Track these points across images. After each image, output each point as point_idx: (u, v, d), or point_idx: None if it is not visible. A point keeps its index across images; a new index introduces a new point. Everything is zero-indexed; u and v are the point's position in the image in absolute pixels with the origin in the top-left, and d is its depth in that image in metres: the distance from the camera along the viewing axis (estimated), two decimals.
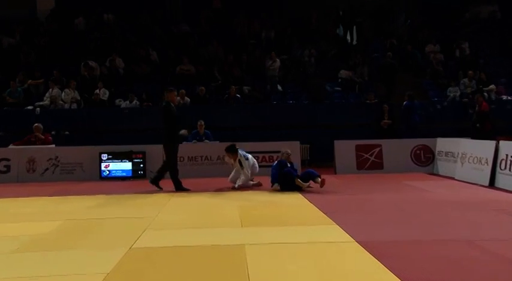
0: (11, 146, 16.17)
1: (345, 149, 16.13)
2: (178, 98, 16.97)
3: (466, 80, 20.18)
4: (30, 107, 19.21)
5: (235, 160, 13.07)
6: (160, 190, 12.60)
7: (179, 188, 12.59)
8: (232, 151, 13.12)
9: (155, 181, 12.77)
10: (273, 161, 15.80)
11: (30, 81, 20.57)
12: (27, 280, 5.60)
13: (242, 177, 12.95)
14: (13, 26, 24.27)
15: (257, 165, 13.62)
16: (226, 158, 13.45)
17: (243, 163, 12.99)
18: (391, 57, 21.45)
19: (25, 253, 6.78)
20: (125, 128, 18.03)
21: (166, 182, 12.79)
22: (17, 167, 15.75)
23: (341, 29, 25.25)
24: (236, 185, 12.89)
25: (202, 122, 16.37)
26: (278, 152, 15.90)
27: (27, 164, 15.72)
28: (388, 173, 15.31)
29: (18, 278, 5.66)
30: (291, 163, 12.82)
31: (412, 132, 17.31)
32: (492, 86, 20.09)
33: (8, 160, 15.78)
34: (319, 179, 12.07)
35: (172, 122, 12.48)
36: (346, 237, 7.14)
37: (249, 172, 13.07)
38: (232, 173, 13.28)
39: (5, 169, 15.71)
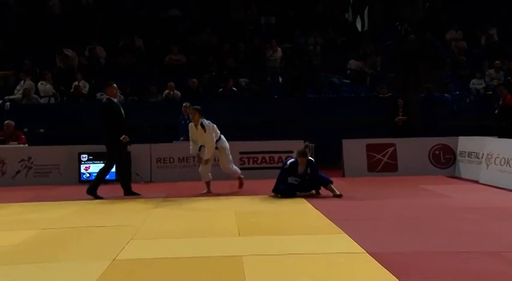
0: None
1: (354, 149, 16.13)
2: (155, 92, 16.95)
3: (492, 71, 20.16)
4: None
5: (197, 122, 12.64)
6: (100, 198, 12.33)
7: (129, 192, 12.64)
8: (200, 110, 12.85)
9: (91, 191, 12.41)
10: (273, 163, 15.89)
11: None
12: None
13: (205, 149, 12.71)
14: None
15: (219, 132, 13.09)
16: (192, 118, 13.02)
17: (205, 126, 12.55)
18: (413, 40, 21.45)
19: (1, 264, 6.81)
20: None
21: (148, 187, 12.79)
22: None
23: (350, 14, 25.23)
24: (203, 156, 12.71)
25: (188, 104, 16.10)
26: (279, 152, 16.01)
27: None
28: (403, 176, 15.28)
29: None
30: (309, 162, 12.24)
31: (430, 130, 17.30)
32: None
33: None
34: (332, 186, 11.96)
35: (116, 120, 12.37)
36: (357, 247, 7.13)
37: (213, 136, 12.64)
38: (191, 146, 13.02)
39: None
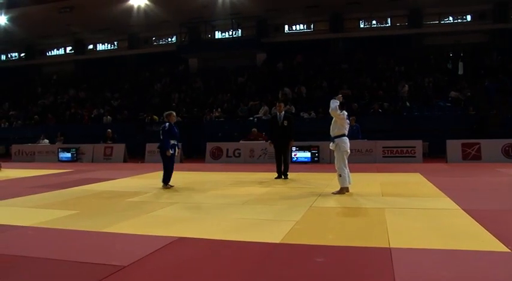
0: (241, 142, 17.27)
1: (454, 146, 14.88)
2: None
3: None
4: (251, 118, 20.19)
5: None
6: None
7: None
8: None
9: None
10: (403, 153, 15.21)
11: (251, 102, 21.65)
12: (250, 220, 5.99)
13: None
14: (243, 71, 25.97)
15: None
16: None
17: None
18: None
19: (250, 205, 7.20)
20: (306, 131, 18.18)
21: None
22: (243, 154, 16.75)
23: (450, 63, 23.23)
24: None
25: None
26: (406, 147, 15.30)
27: (250, 152, 16.65)
28: (485, 163, 13.85)
29: (244, 219, 6.08)
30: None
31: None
32: None
33: (239, 149, 16.92)
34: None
35: None
36: (454, 206, 6.65)
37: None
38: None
39: (237, 155, 16.87)
